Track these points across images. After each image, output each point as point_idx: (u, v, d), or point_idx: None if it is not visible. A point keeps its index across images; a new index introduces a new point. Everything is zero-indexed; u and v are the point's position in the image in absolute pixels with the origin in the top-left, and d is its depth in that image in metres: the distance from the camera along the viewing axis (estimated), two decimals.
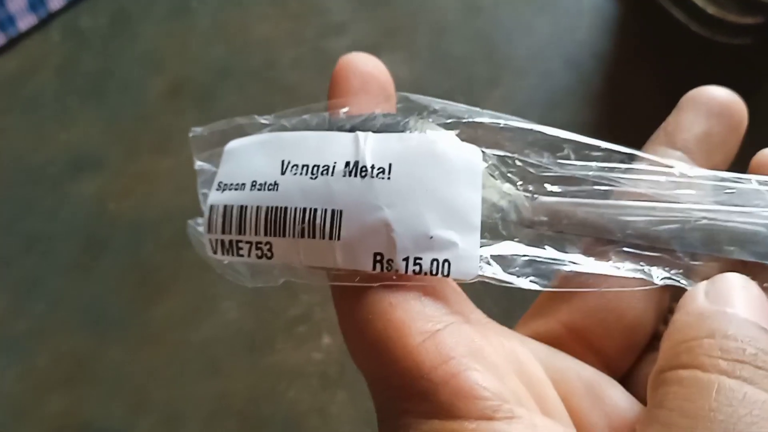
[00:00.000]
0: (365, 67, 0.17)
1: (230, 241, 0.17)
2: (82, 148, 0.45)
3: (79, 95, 0.46)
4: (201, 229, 0.17)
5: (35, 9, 0.47)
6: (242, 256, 0.16)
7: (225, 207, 0.17)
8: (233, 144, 0.18)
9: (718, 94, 0.19)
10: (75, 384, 0.40)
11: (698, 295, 0.15)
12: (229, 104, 0.45)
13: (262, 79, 0.46)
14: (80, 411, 0.40)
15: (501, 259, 0.16)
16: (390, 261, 0.15)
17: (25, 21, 0.47)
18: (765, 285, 0.15)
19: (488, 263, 0.16)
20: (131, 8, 0.48)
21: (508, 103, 0.43)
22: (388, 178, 0.15)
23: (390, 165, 0.15)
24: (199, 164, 0.19)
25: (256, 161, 0.17)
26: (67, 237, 0.43)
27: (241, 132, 0.18)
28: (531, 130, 0.17)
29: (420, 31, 0.45)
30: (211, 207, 0.17)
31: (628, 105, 0.42)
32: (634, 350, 0.19)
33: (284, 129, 0.17)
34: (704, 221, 0.16)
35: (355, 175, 0.15)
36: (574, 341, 0.18)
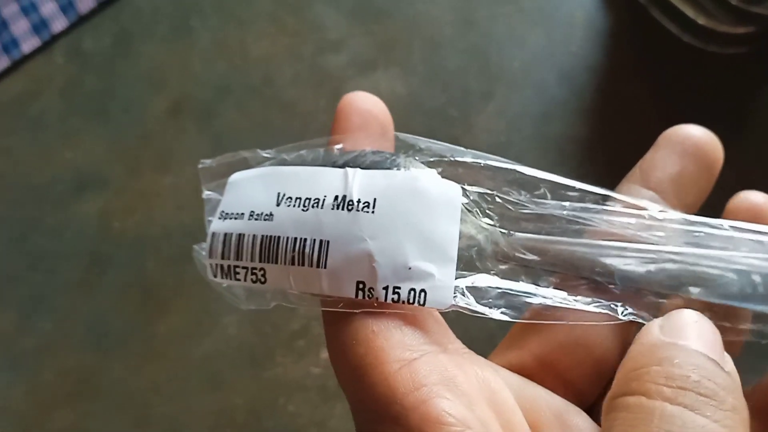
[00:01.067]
0: (365, 105, 0.18)
1: (228, 266, 0.18)
2: (86, 167, 0.46)
3: (83, 115, 0.47)
4: (204, 253, 0.19)
5: (38, 31, 0.48)
6: (239, 280, 0.18)
7: (225, 234, 0.18)
8: (236, 176, 0.19)
9: (694, 133, 0.19)
10: (80, 399, 0.41)
11: (653, 328, 0.15)
12: (229, 121, 0.46)
13: (262, 96, 0.46)
14: (85, 426, 0.40)
15: (475, 291, 0.17)
16: (371, 289, 0.16)
17: (29, 43, 0.48)
18: (726, 325, 0.16)
19: (463, 294, 0.17)
20: (133, 29, 0.49)
21: (502, 116, 0.43)
22: (373, 212, 0.16)
23: (375, 199, 0.16)
24: (206, 194, 0.20)
25: (254, 193, 0.18)
26: (71, 255, 0.44)
27: (246, 164, 0.19)
28: (510, 169, 0.18)
29: (415, 46, 0.46)
30: (213, 234, 0.18)
31: (621, 117, 0.43)
32: (601, 382, 0.19)
33: (284, 162, 0.19)
34: (670, 264, 0.17)
35: (343, 209, 0.16)
36: (544, 372, 0.19)
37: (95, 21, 0.49)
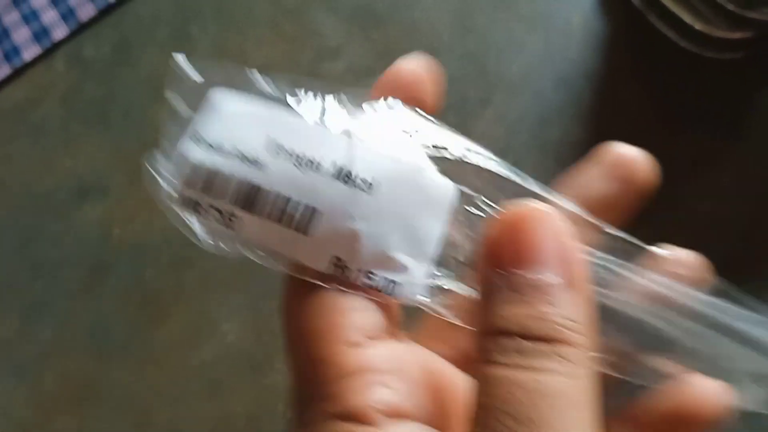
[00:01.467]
0: (416, 70, 0.19)
1: (191, 198, 0.16)
2: (88, 175, 0.46)
3: (84, 122, 0.47)
4: (162, 168, 0.17)
5: (39, 39, 0.48)
6: (200, 215, 0.16)
7: (197, 163, 0.16)
8: (220, 97, 0.17)
9: (626, 154, 0.19)
10: (81, 405, 0.41)
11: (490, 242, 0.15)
12: None
13: None
14: (86, 431, 0.41)
15: (443, 293, 0.17)
16: (346, 268, 0.16)
17: (30, 51, 0.48)
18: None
19: (431, 294, 0.17)
20: (133, 36, 0.49)
21: (500, 122, 0.44)
22: (371, 193, 0.16)
23: (376, 181, 0.16)
24: (171, 96, 0.18)
25: (244, 130, 0.16)
26: (73, 262, 0.44)
27: (228, 82, 0.17)
28: (516, 182, 0.17)
29: (413, 53, 0.46)
30: (181, 156, 0.17)
31: (619, 121, 0.43)
32: None
33: (280, 101, 0.17)
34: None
35: (340, 180, 0.16)
36: (469, 366, 0.19)
37: (96, 28, 0.49)
